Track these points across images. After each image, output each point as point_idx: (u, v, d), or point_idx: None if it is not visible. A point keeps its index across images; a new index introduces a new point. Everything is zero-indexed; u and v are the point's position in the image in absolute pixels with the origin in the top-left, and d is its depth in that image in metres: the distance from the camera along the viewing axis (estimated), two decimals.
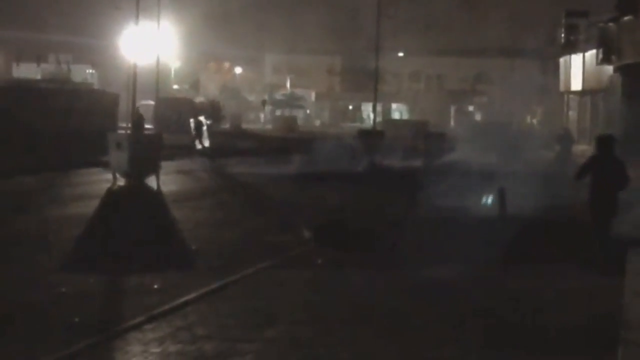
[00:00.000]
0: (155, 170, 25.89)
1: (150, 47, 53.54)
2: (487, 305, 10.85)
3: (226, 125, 73.31)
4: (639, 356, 8.60)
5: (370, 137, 45.41)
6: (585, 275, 12.78)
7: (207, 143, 42.96)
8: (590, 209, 13.64)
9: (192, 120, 44.66)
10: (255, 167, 33.28)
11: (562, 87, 54.78)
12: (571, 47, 51.22)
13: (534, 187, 21.19)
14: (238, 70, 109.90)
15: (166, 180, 26.29)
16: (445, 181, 24.43)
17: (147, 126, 46.61)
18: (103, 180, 25.80)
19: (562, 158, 39.18)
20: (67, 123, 38.48)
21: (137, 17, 42.12)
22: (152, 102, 60.37)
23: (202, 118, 44.79)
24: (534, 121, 77.08)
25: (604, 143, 13.75)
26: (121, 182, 25.24)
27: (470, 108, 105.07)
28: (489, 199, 16.16)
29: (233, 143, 48.46)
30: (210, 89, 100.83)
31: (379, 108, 68.26)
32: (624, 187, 13.48)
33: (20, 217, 18.35)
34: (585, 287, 12.01)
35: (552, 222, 17.41)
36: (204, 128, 43.50)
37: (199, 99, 74.25)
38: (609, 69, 42.55)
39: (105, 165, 27.80)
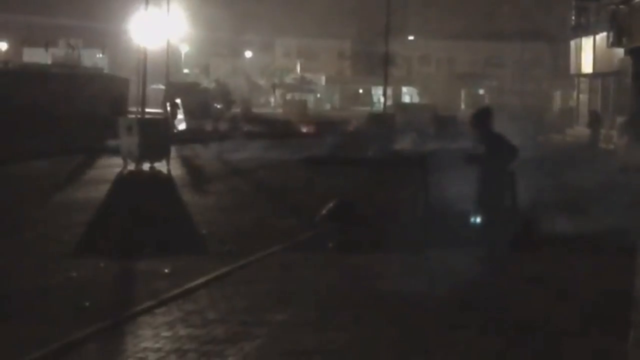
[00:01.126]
0: (165, 154, 25.91)
1: (160, 31, 53.44)
2: (496, 291, 10.83)
3: (236, 110, 73.29)
4: None
5: (381, 121, 45.28)
6: (594, 259, 12.75)
7: (182, 127, 42.58)
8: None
9: (167, 103, 43.74)
10: (265, 151, 33.24)
11: (572, 70, 54.50)
12: (582, 30, 50.88)
13: (553, 175, 20.93)
14: (248, 54, 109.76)
15: (176, 164, 26.32)
16: (456, 166, 24.32)
17: (157, 110, 46.57)
18: (113, 165, 25.82)
19: (592, 142, 39.22)
20: (77, 107, 38.53)
21: (146, 0, 42.01)
22: (162, 87, 60.37)
23: (178, 101, 44.12)
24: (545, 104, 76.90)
25: (475, 118, 12.42)
26: (131, 166, 25.26)
27: (481, 91, 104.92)
28: (477, 219, 15.75)
29: (242, 127, 48.37)
30: (220, 73, 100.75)
31: (389, 92, 68.00)
32: (510, 160, 12.25)
33: (31, 201, 18.39)
34: (594, 271, 11.99)
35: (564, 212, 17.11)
36: (179, 111, 43.12)
37: (205, 85, 74.05)
38: (620, 51, 42.24)
39: (109, 151, 27.88)
